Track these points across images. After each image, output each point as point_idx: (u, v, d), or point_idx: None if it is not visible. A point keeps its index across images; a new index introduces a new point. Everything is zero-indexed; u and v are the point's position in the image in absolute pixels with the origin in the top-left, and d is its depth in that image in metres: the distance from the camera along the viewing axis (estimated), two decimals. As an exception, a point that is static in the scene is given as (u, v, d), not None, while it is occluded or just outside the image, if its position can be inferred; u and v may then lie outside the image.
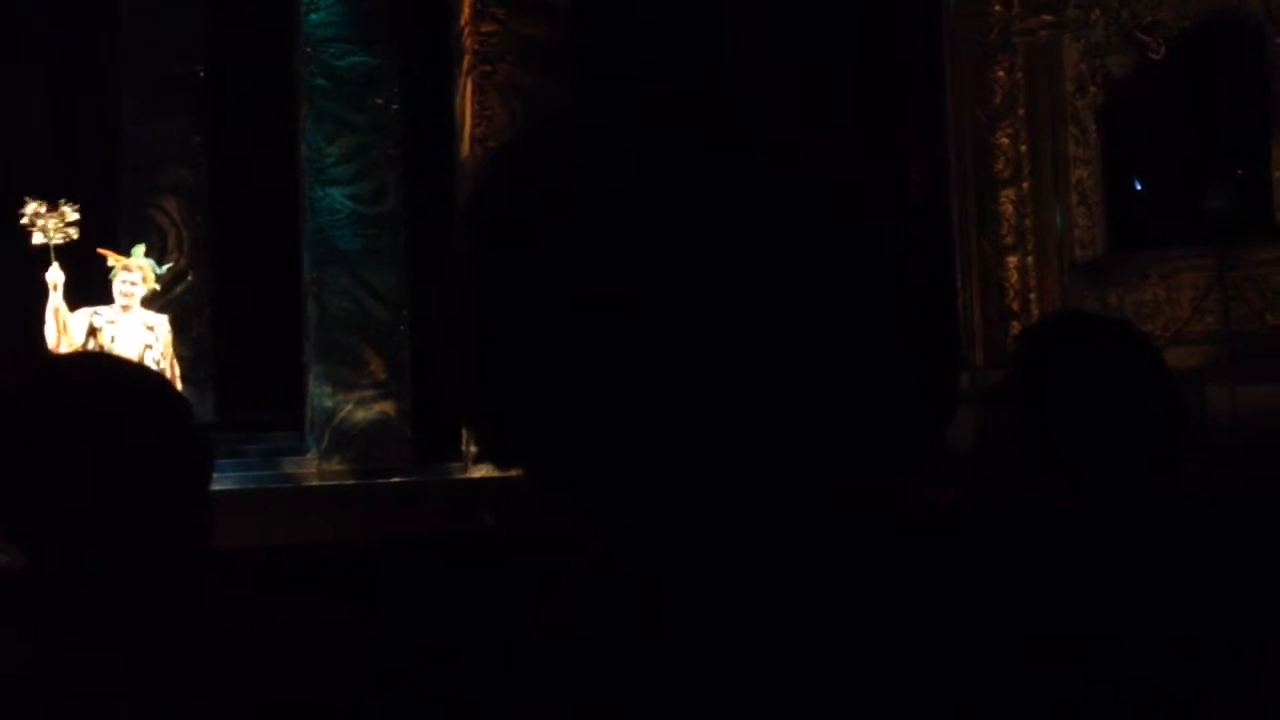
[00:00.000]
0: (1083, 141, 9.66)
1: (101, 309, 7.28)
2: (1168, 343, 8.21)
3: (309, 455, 10.05)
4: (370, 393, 10.09)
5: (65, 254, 7.39)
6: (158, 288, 7.56)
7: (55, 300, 7.12)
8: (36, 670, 1.24)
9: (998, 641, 0.61)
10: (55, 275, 7.17)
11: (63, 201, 7.42)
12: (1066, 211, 9.64)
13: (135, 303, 7.28)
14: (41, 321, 7.14)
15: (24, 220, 7.33)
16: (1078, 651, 0.62)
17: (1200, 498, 1.57)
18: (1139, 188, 9.82)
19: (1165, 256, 9.16)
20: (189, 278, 10.06)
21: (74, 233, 7.34)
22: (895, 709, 0.57)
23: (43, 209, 7.35)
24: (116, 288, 7.28)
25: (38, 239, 7.35)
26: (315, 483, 9.50)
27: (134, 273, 7.27)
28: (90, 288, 7.43)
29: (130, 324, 7.24)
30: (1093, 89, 9.65)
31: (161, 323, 7.37)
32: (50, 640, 1.27)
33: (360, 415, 10.05)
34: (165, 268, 7.78)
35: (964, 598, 0.61)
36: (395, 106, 10.29)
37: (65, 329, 7.09)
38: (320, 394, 10.07)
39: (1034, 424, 1.56)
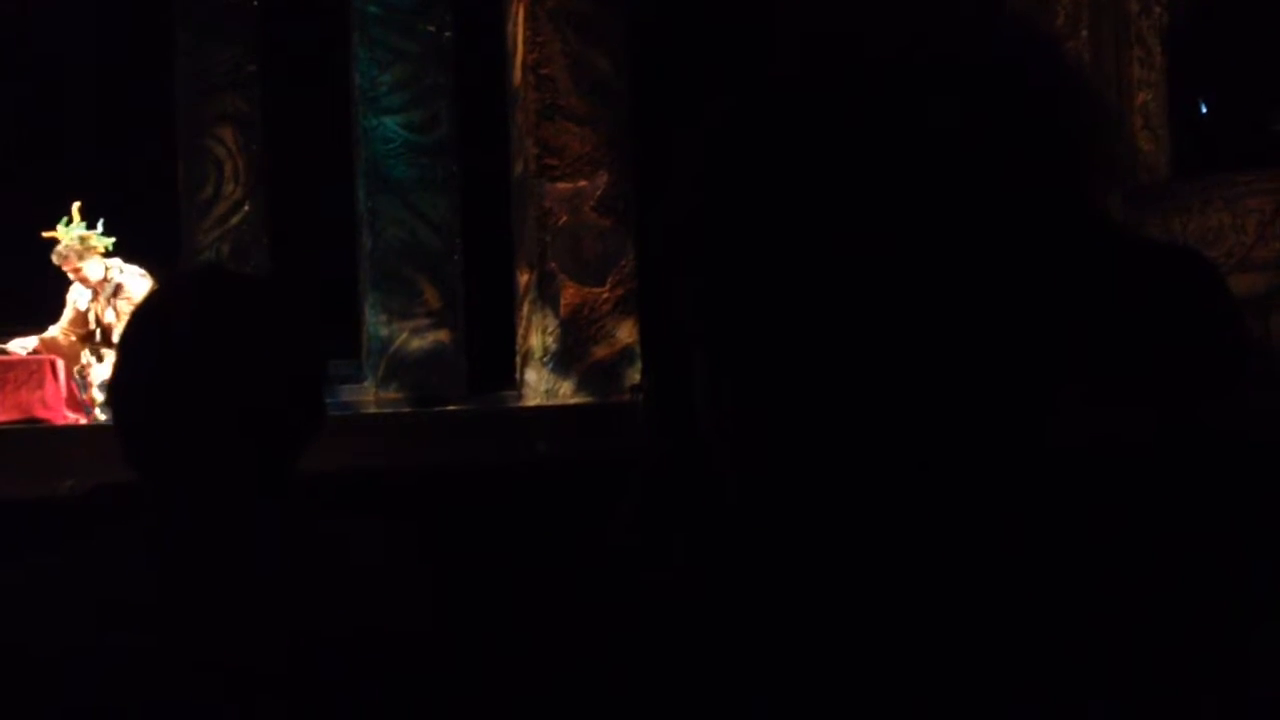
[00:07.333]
0: (1147, 64, 9.43)
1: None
2: (1232, 269, 8.04)
3: (366, 383, 10.14)
4: (425, 321, 10.14)
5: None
6: (77, 243, 7.44)
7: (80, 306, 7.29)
8: (111, 588, 1.27)
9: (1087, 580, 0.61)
10: (75, 294, 7.35)
11: (97, 231, 7.49)
12: (1130, 136, 9.44)
13: (77, 268, 7.41)
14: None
15: (53, 248, 7.43)
16: (1145, 588, 0.62)
17: (1266, 430, 1.54)
18: (1205, 111, 9.58)
19: (1230, 181, 8.95)
20: (245, 208, 10.11)
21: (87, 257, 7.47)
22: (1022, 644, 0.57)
23: (74, 240, 7.42)
24: None
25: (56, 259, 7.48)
26: (373, 410, 9.59)
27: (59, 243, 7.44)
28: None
29: (79, 290, 7.41)
30: (1158, 10, 9.40)
31: (112, 280, 7.37)
32: (131, 558, 1.29)
33: (415, 344, 10.11)
34: (67, 222, 7.59)
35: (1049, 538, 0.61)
36: (448, 34, 10.22)
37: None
38: (376, 323, 10.14)
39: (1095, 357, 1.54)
